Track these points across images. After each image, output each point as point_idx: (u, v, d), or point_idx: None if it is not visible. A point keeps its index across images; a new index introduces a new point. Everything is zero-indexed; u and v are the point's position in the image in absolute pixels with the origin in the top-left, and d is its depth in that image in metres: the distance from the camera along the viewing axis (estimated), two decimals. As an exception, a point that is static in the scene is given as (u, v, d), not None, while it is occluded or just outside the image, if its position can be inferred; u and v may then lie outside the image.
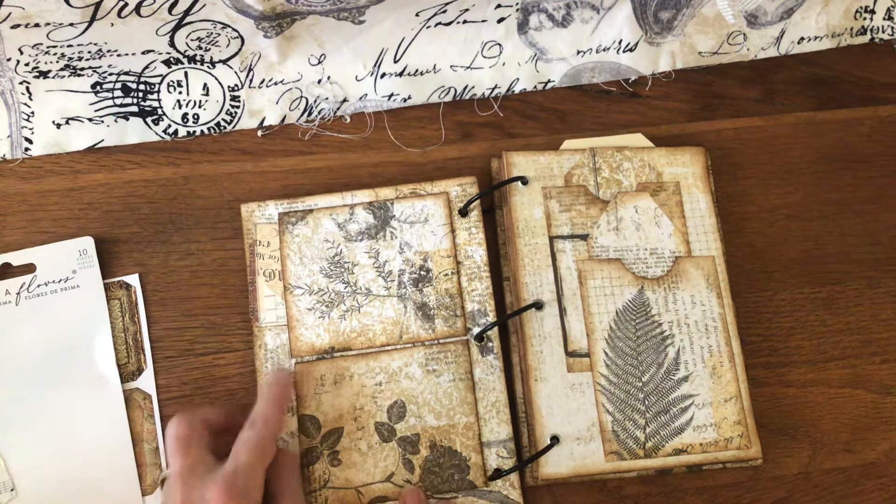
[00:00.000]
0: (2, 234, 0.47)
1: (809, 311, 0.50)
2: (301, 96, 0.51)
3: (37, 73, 0.48)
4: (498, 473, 0.44)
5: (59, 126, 0.49)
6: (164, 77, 0.49)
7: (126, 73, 0.49)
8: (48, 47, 0.46)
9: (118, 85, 0.49)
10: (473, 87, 0.52)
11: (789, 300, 0.50)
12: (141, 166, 0.49)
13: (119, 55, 0.48)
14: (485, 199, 0.49)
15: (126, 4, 0.43)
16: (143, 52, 0.48)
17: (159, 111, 0.50)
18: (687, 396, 0.45)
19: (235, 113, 0.50)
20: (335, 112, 0.51)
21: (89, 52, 0.47)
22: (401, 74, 0.51)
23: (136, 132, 0.49)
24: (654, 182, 0.49)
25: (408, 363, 0.45)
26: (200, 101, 0.50)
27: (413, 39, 0.51)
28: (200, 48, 0.48)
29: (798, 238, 0.51)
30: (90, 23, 0.44)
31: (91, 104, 0.49)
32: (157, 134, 0.50)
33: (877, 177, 0.52)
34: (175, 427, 0.38)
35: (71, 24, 0.44)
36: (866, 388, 0.48)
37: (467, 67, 0.52)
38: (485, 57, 0.52)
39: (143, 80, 0.49)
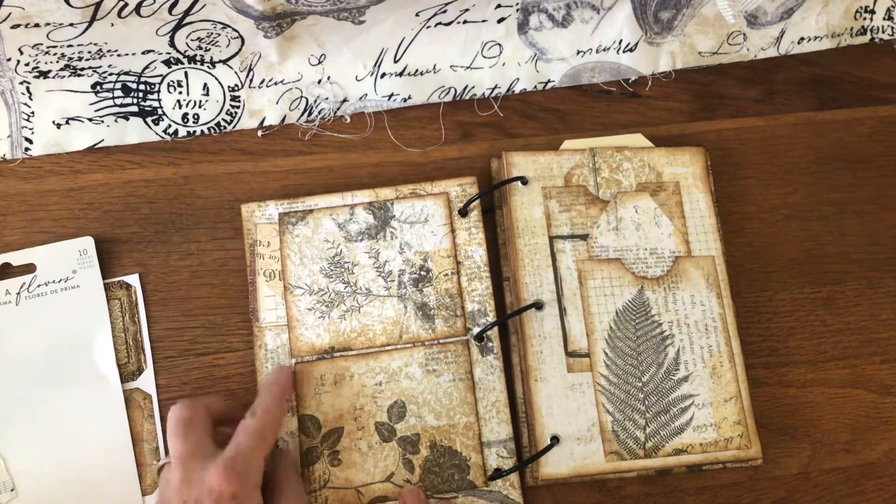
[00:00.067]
0: (2, 234, 0.47)
1: (809, 311, 0.50)
2: (301, 96, 0.51)
3: (37, 73, 0.48)
4: (498, 473, 0.44)
5: (59, 126, 0.49)
6: (164, 77, 0.49)
7: (126, 73, 0.49)
8: (48, 47, 0.46)
9: (118, 85, 0.49)
10: (473, 87, 0.52)
11: (789, 300, 0.50)
12: (141, 166, 0.49)
13: (119, 55, 0.48)
14: (485, 199, 0.49)
15: (126, 4, 0.43)
16: (143, 52, 0.48)
17: (159, 111, 0.50)
18: (687, 396, 0.45)
19: (235, 113, 0.50)
20: (335, 112, 0.51)
21: (89, 52, 0.47)
22: (401, 74, 0.51)
23: (136, 132, 0.49)
24: (653, 182, 0.49)
25: (408, 363, 0.45)
26: (200, 101, 0.50)
27: (413, 39, 0.51)
28: (200, 48, 0.48)
29: (798, 238, 0.51)
30: (90, 23, 0.44)
31: (91, 104, 0.49)
32: (157, 134, 0.50)
33: (877, 177, 0.52)
34: (177, 411, 0.38)
35: (71, 25, 0.44)
36: (866, 388, 0.48)
37: (467, 67, 0.52)
38: (485, 57, 0.52)
39: (143, 80, 0.49)
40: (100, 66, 0.48)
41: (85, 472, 0.44)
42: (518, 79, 0.52)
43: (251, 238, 0.47)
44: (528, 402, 0.45)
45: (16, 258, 0.46)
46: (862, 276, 0.50)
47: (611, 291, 0.47)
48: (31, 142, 0.49)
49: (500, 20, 0.51)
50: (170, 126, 0.50)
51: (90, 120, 0.49)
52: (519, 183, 0.48)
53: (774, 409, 0.48)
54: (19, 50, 0.46)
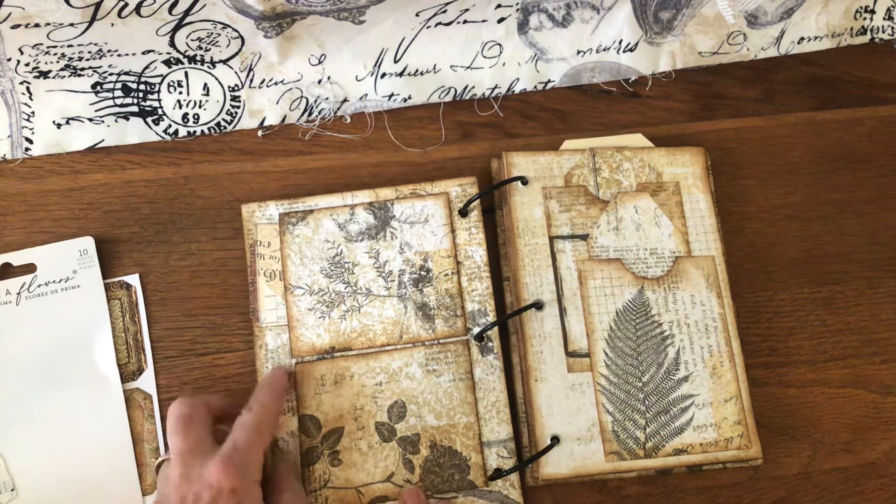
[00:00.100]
0: (2, 234, 0.47)
1: (809, 311, 0.50)
2: (301, 96, 0.51)
3: (37, 73, 0.48)
4: (498, 473, 0.44)
5: (59, 126, 0.49)
6: (164, 77, 0.49)
7: (126, 73, 0.49)
8: (48, 47, 0.46)
9: (118, 85, 0.49)
10: (473, 87, 0.52)
11: (789, 300, 0.50)
12: (141, 166, 0.49)
13: (119, 55, 0.48)
14: (485, 199, 0.49)
15: (126, 4, 0.43)
16: (143, 52, 0.48)
17: (159, 111, 0.50)
18: (687, 396, 0.45)
19: (236, 113, 0.50)
20: (335, 112, 0.51)
21: (89, 52, 0.47)
22: (401, 74, 0.51)
23: (136, 132, 0.49)
24: (653, 182, 0.49)
25: (408, 363, 0.45)
26: (201, 101, 0.50)
27: (413, 39, 0.51)
28: (201, 48, 0.48)
29: (798, 238, 0.51)
30: (90, 23, 0.44)
31: (91, 104, 0.49)
32: (157, 134, 0.50)
33: (877, 177, 0.52)
34: (177, 407, 0.38)
35: (71, 25, 0.44)
36: (866, 388, 0.48)
37: (467, 67, 0.52)
38: (485, 57, 0.52)
39: (143, 80, 0.49)
40: (100, 66, 0.48)
41: (85, 472, 0.44)
42: (518, 79, 0.52)
43: (251, 238, 0.47)
44: (528, 402, 0.45)
45: (16, 258, 0.46)
46: (862, 276, 0.50)
47: (611, 291, 0.47)
48: (31, 142, 0.49)
49: (500, 20, 0.51)
50: (170, 126, 0.50)
51: (90, 120, 0.49)
52: (519, 183, 0.48)
53: (774, 409, 0.48)
54: (19, 50, 0.46)
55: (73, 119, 0.49)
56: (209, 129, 0.50)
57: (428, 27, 0.50)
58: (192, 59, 0.49)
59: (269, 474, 0.40)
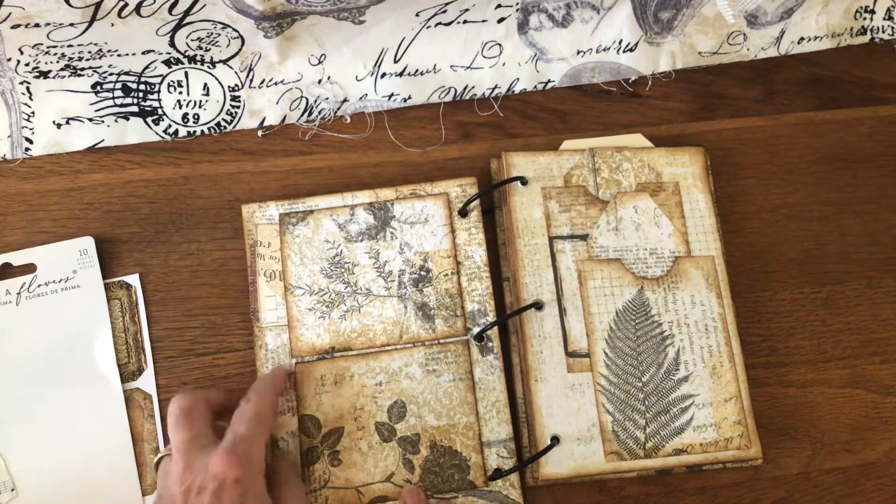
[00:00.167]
0: (2, 234, 0.47)
1: (809, 311, 0.50)
2: (301, 96, 0.51)
3: (37, 73, 0.48)
4: (498, 473, 0.44)
5: (59, 126, 0.49)
6: (164, 77, 0.49)
7: (126, 73, 0.49)
8: (48, 47, 0.46)
9: (118, 85, 0.49)
10: (473, 87, 0.52)
11: (789, 300, 0.50)
12: (141, 166, 0.49)
13: (119, 55, 0.48)
14: (485, 199, 0.49)
15: (126, 4, 0.43)
16: (143, 52, 0.48)
17: (159, 111, 0.50)
18: (687, 396, 0.45)
19: (236, 113, 0.50)
20: (335, 112, 0.51)
21: (89, 52, 0.47)
22: (401, 74, 0.51)
23: (136, 132, 0.49)
24: (653, 182, 0.49)
25: (408, 363, 0.45)
26: (201, 101, 0.50)
27: (413, 39, 0.51)
28: (201, 48, 0.48)
29: (798, 238, 0.51)
30: (90, 23, 0.44)
31: (91, 104, 0.49)
32: (157, 134, 0.50)
33: (877, 177, 0.52)
34: (177, 401, 0.38)
35: (71, 24, 0.44)
36: (866, 388, 0.48)
37: (467, 67, 0.52)
38: (485, 57, 0.52)
39: (143, 80, 0.49)
40: (100, 66, 0.48)
41: (85, 472, 0.44)
42: (518, 79, 0.52)
43: (252, 238, 0.47)
44: (528, 402, 0.45)
45: (16, 258, 0.46)
46: (862, 276, 0.50)
47: (611, 291, 0.47)
48: (31, 142, 0.49)
49: (500, 20, 0.51)
50: (170, 126, 0.50)
51: (90, 120, 0.49)
52: (518, 183, 0.48)
53: (774, 409, 0.48)
54: (19, 50, 0.46)
55: (73, 119, 0.49)
56: (209, 129, 0.50)
57: (428, 27, 0.50)
58: (192, 59, 0.49)
59: (269, 472, 0.40)
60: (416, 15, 0.49)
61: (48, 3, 0.42)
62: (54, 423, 0.44)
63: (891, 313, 0.50)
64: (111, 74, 0.49)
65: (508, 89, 0.52)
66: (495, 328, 0.46)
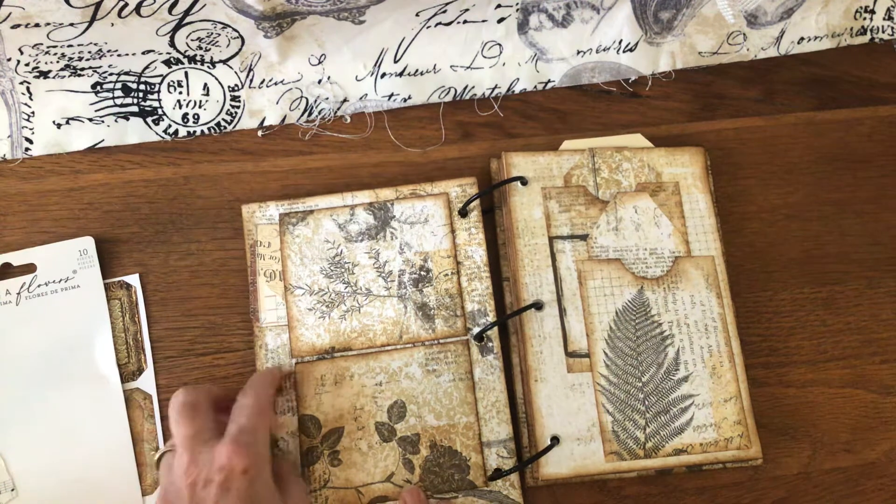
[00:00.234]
0: (2, 234, 0.47)
1: (809, 311, 0.50)
2: (301, 96, 0.51)
3: (37, 73, 0.48)
4: (498, 473, 0.44)
5: (59, 126, 0.49)
6: (164, 77, 0.49)
7: (126, 73, 0.49)
8: (48, 47, 0.46)
9: (118, 85, 0.49)
10: (473, 87, 0.52)
11: (789, 300, 0.50)
12: (141, 166, 0.49)
13: (119, 55, 0.48)
14: (485, 199, 0.49)
15: (126, 4, 0.43)
16: (143, 52, 0.48)
17: (159, 111, 0.50)
18: (687, 396, 0.45)
19: (236, 113, 0.50)
20: (335, 112, 0.51)
21: (89, 52, 0.47)
22: (401, 74, 0.51)
23: (136, 132, 0.49)
24: (653, 182, 0.49)
25: (408, 363, 0.45)
26: (201, 101, 0.50)
27: (413, 39, 0.51)
28: (201, 48, 0.48)
29: (798, 238, 0.51)
30: (90, 23, 0.44)
31: (91, 104, 0.49)
32: (157, 134, 0.50)
33: (877, 177, 0.52)
34: (180, 396, 0.38)
35: (71, 24, 0.44)
36: (866, 388, 0.48)
37: (467, 67, 0.52)
38: (485, 57, 0.52)
39: (143, 80, 0.49)
40: (100, 66, 0.48)
41: (85, 472, 0.44)
42: (518, 79, 0.52)
43: (252, 239, 0.47)
44: (528, 402, 0.45)
45: (16, 258, 0.46)
46: (862, 276, 0.50)
47: (611, 291, 0.47)
48: (31, 142, 0.49)
49: (500, 20, 0.51)
50: (170, 126, 0.50)
51: (90, 120, 0.49)
52: (518, 183, 0.48)
53: (774, 409, 0.48)
54: (19, 50, 0.46)
55: (73, 119, 0.49)
56: (209, 129, 0.50)
57: (428, 27, 0.50)
58: (192, 59, 0.49)
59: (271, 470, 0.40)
60: (416, 15, 0.49)
61: (48, 3, 0.42)
62: (54, 423, 0.44)
63: (891, 313, 0.50)
64: (111, 74, 0.49)
65: (508, 89, 0.52)
66: (495, 328, 0.46)
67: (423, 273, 0.47)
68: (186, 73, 0.50)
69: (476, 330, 0.46)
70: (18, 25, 0.44)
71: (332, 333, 0.46)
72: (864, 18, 0.55)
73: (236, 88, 0.50)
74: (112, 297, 0.47)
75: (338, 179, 0.50)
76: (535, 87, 0.52)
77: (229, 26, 0.47)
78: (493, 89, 0.52)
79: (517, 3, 0.50)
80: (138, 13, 0.44)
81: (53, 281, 0.46)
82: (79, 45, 0.46)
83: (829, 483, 0.47)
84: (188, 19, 0.46)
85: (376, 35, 0.50)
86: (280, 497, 0.38)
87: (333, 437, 0.44)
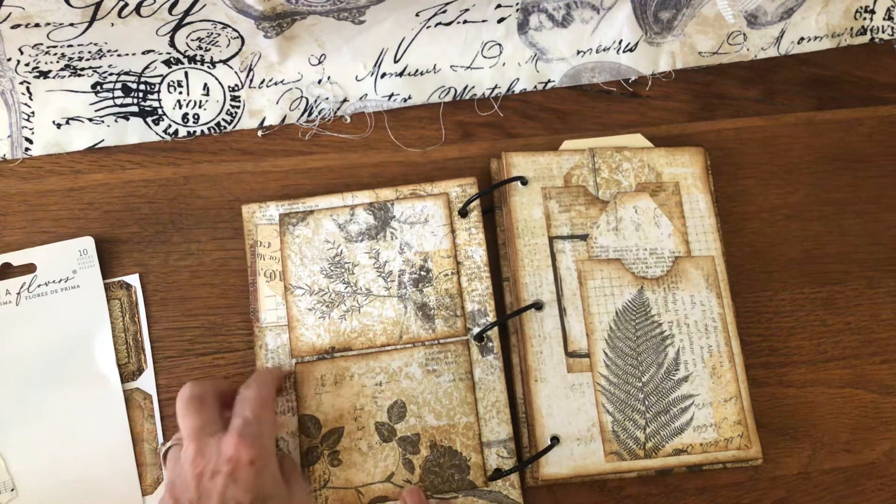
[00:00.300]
0: (2, 234, 0.47)
1: (809, 311, 0.50)
2: (301, 96, 0.51)
3: (37, 73, 0.48)
4: (498, 473, 0.44)
5: (59, 126, 0.49)
6: (164, 77, 0.49)
7: (126, 73, 0.49)
8: (48, 47, 0.46)
9: (118, 85, 0.49)
10: (473, 87, 0.52)
11: (789, 300, 0.50)
12: (141, 166, 0.49)
13: (119, 55, 0.48)
14: (485, 199, 0.49)
15: (126, 4, 0.43)
16: (143, 52, 0.48)
17: (159, 111, 0.50)
18: (687, 396, 0.45)
19: (236, 113, 0.50)
20: (335, 112, 0.51)
21: (89, 52, 0.47)
22: (401, 74, 0.51)
23: (136, 132, 0.49)
24: (653, 182, 0.49)
25: (408, 363, 0.45)
26: (201, 101, 0.50)
27: (413, 39, 0.51)
28: (201, 48, 0.48)
29: (798, 238, 0.51)
30: (90, 23, 0.44)
31: (91, 104, 0.49)
32: (157, 134, 0.50)
33: (877, 177, 0.52)
34: (188, 389, 0.38)
35: (71, 24, 0.44)
36: (866, 388, 0.48)
37: (467, 67, 0.52)
38: (485, 57, 0.52)
39: (143, 80, 0.49)
40: (100, 66, 0.48)
41: (85, 472, 0.44)
42: (518, 79, 0.52)
43: (252, 239, 0.47)
44: (528, 402, 0.45)
45: (16, 258, 0.46)
46: (862, 276, 0.50)
47: (611, 291, 0.47)
48: (31, 142, 0.49)
49: (500, 20, 0.51)
50: (170, 126, 0.50)
51: (90, 120, 0.49)
52: (518, 183, 0.48)
53: (774, 409, 0.48)
54: (19, 50, 0.46)
55: (73, 119, 0.49)
56: (209, 129, 0.50)
57: (428, 27, 0.50)
58: (192, 59, 0.49)
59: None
60: (416, 15, 0.49)
61: (48, 3, 0.42)
62: (54, 423, 0.44)
63: (891, 313, 0.50)
64: (111, 74, 0.49)
65: (508, 89, 0.52)
66: (495, 328, 0.46)
67: (423, 273, 0.47)
68: (186, 73, 0.50)
69: (476, 330, 0.46)
70: (18, 25, 0.44)
71: (332, 333, 0.46)
72: (864, 18, 0.55)
73: (236, 88, 0.50)
74: (112, 297, 0.47)
75: (338, 179, 0.50)
76: (535, 87, 0.52)
77: (229, 26, 0.47)
78: (493, 89, 0.52)
79: (517, 3, 0.50)
80: (138, 13, 0.44)
81: (53, 281, 0.46)
82: (79, 45, 0.46)
83: (829, 483, 0.47)
84: (188, 19, 0.46)
85: (376, 35, 0.50)
86: (286, 488, 0.38)
87: (333, 438, 0.44)
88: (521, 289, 0.46)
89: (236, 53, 0.49)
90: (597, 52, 0.52)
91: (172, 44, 0.48)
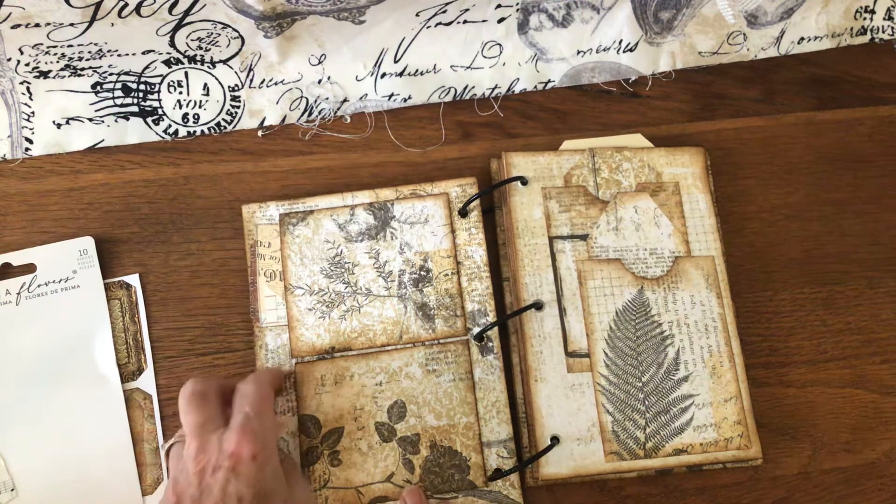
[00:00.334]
0: (2, 234, 0.47)
1: (809, 311, 0.50)
2: (301, 96, 0.51)
3: (37, 73, 0.48)
4: (498, 473, 0.44)
5: (59, 126, 0.49)
6: (164, 77, 0.49)
7: (126, 73, 0.49)
8: (48, 47, 0.46)
9: (118, 85, 0.49)
10: (473, 87, 0.52)
11: (789, 300, 0.50)
12: (141, 166, 0.49)
13: (119, 55, 0.48)
14: (485, 199, 0.49)
15: (126, 4, 0.43)
16: (143, 52, 0.48)
17: (160, 111, 0.50)
18: (687, 396, 0.45)
19: (236, 113, 0.50)
20: (335, 112, 0.51)
21: (89, 52, 0.47)
22: (401, 74, 0.51)
23: (136, 132, 0.49)
24: (653, 182, 0.49)
25: (408, 363, 0.45)
26: (201, 101, 0.50)
27: (413, 39, 0.51)
28: (201, 48, 0.48)
29: (798, 238, 0.51)
30: (90, 23, 0.44)
31: (91, 104, 0.49)
32: (157, 134, 0.50)
33: (877, 177, 0.52)
34: (190, 386, 0.38)
35: (71, 24, 0.44)
36: (866, 388, 0.48)
37: (467, 67, 0.52)
38: (485, 57, 0.52)
39: (143, 80, 0.49)
40: (100, 66, 0.48)
41: (85, 472, 0.44)
42: (518, 79, 0.52)
43: (252, 239, 0.47)
44: (528, 402, 0.45)
45: (16, 258, 0.46)
46: (862, 276, 0.50)
47: (611, 291, 0.47)
48: (31, 142, 0.49)
49: (501, 20, 0.51)
50: (170, 126, 0.50)
51: (90, 120, 0.49)
52: (518, 183, 0.48)
53: (774, 409, 0.48)
54: (19, 50, 0.46)
55: (73, 119, 0.49)
56: (209, 129, 0.50)
57: (428, 27, 0.50)
58: (192, 59, 0.49)
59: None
60: (416, 15, 0.49)
61: (48, 3, 0.42)
62: (54, 423, 0.44)
63: (891, 313, 0.50)
64: (111, 74, 0.49)
65: (508, 89, 0.52)
66: (495, 328, 0.46)
67: (423, 273, 0.47)
68: (186, 73, 0.50)
69: (476, 330, 0.46)
70: (18, 25, 0.44)
71: (332, 333, 0.46)
72: (864, 18, 0.55)
73: (236, 88, 0.50)
74: (112, 297, 0.47)
75: (338, 179, 0.50)
76: (535, 87, 0.52)
77: (229, 26, 0.47)
78: (493, 89, 0.52)
79: (517, 3, 0.50)
80: (138, 13, 0.44)
81: (53, 281, 0.46)
82: (79, 45, 0.46)
83: (829, 483, 0.47)
84: (188, 19, 0.46)
85: (376, 35, 0.50)
86: (287, 485, 0.38)
87: (333, 438, 0.44)
88: (521, 289, 0.46)
89: (236, 53, 0.49)
90: (597, 52, 0.52)
91: (172, 44, 0.48)
